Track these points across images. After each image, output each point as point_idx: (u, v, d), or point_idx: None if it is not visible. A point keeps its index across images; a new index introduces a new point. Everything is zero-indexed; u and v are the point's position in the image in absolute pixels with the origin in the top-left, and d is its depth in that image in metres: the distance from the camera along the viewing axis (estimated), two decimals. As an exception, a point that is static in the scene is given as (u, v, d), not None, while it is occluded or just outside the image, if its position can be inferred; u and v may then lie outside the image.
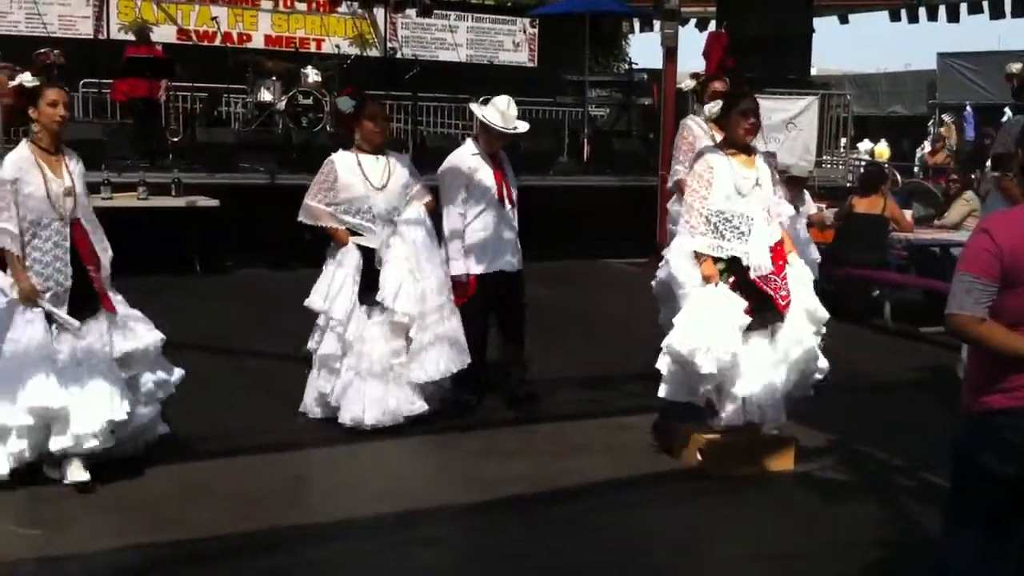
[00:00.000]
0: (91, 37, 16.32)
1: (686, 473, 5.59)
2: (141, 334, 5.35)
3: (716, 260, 5.50)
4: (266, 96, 13.82)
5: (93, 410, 5.03)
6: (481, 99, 13.67)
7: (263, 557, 4.59)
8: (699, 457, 5.62)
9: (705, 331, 5.29)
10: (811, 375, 5.56)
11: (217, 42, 16.79)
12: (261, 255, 11.65)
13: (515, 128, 6.50)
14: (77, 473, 5.07)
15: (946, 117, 23.75)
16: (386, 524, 4.94)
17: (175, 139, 13.32)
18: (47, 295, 5.08)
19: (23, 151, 5.13)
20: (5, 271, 5.15)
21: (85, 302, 5.17)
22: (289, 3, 16.94)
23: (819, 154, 15.58)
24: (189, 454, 5.60)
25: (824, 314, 5.55)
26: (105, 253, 5.35)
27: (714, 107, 5.78)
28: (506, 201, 6.49)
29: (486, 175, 6.45)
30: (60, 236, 5.12)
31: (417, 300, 6.04)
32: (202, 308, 9.41)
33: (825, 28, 25.64)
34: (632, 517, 5.10)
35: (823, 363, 5.57)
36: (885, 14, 20.53)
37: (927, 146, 21.01)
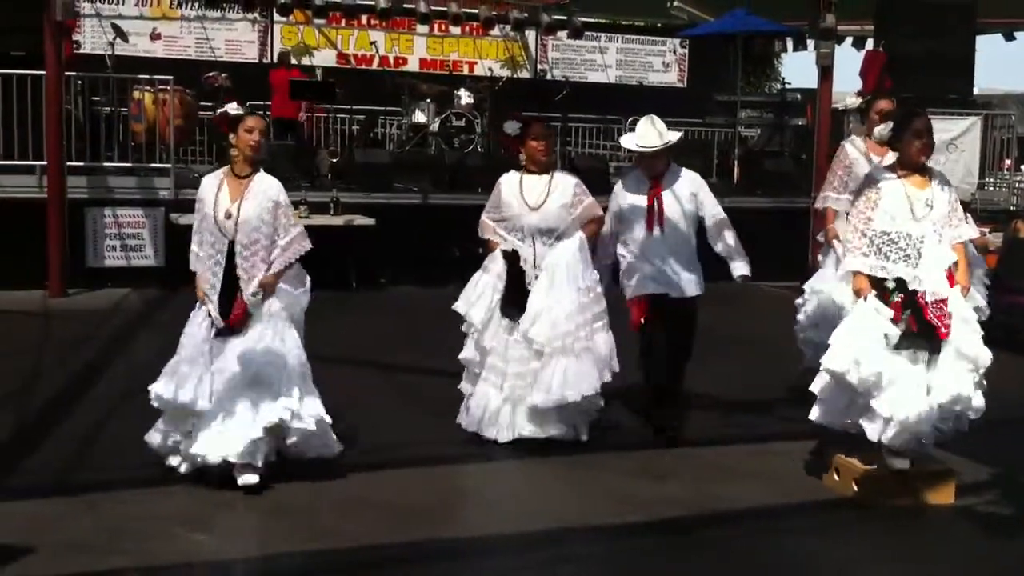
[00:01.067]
0: (256, 61, 17.04)
1: (841, 502, 5.49)
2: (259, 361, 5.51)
3: (883, 280, 5.38)
4: (420, 118, 14.17)
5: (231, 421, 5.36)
6: (630, 120, 13.78)
7: (413, 569, 4.71)
8: (854, 487, 5.51)
9: (853, 347, 5.22)
10: (963, 415, 5.35)
11: (375, 65, 17.34)
12: (413, 272, 11.95)
13: (651, 145, 6.44)
14: (247, 477, 5.33)
15: (1118, 139, 22.59)
16: (535, 541, 5.01)
17: (334, 159, 13.75)
18: (210, 301, 5.56)
19: (215, 175, 5.71)
20: None
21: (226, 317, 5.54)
22: (444, 27, 17.28)
23: (982, 176, 15.05)
24: (346, 467, 5.75)
25: (986, 356, 5.33)
26: (267, 275, 5.54)
27: (884, 129, 5.67)
28: (655, 229, 6.43)
29: (638, 200, 6.48)
30: (218, 252, 5.55)
31: (549, 326, 6.12)
32: (358, 323, 9.70)
33: (989, 46, 24.76)
34: (784, 545, 5.05)
35: (978, 402, 5.33)
36: (1053, 32, 19.68)
37: (1095, 169, 20.01)
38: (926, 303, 5.33)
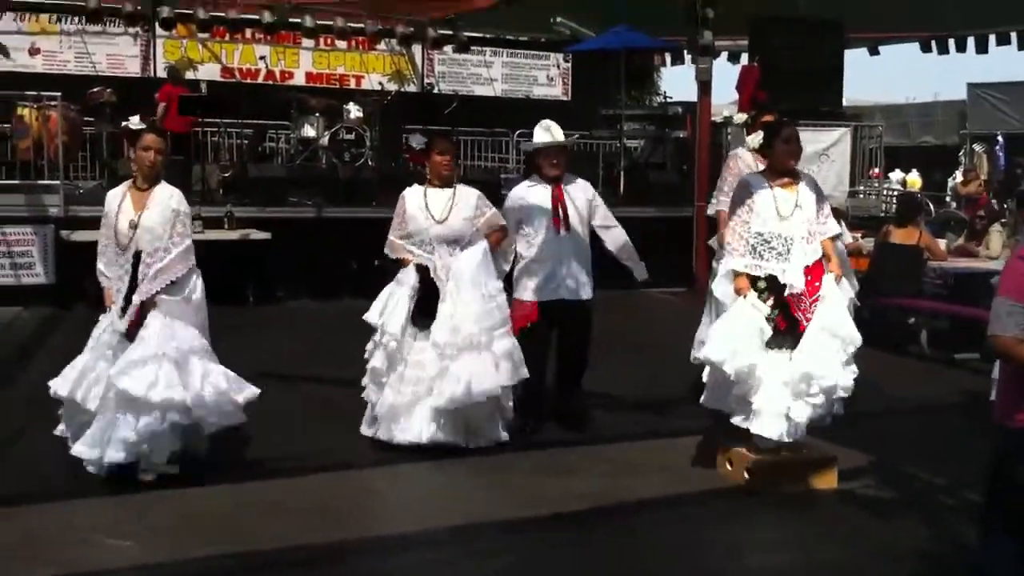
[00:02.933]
0: (139, 75, 16.85)
1: (734, 490, 5.85)
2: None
3: (756, 279, 5.81)
4: (309, 132, 14.14)
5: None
6: (517, 133, 14.08)
7: (328, 567, 4.90)
8: (746, 475, 5.88)
9: (731, 340, 5.64)
10: (833, 393, 5.71)
11: (261, 79, 17.32)
12: (310, 285, 12.03)
13: (559, 139, 6.82)
14: (144, 475, 5.60)
15: (977, 147, 23.88)
16: (444, 538, 5.23)
17: (226, 174, 13.71)
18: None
19: (119, 188, 5.94)
20: None
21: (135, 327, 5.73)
22: (330, 41, 17.37)
23: (852, 184, 15.79)
24: (259, 473, 5.93)
25: (852, 334, 5.74)
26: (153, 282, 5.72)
27: (756, 137, 6.12)
28: (562, 229, 6.74)
29: (543, 203, 6.76)
30: (121, 260, 5.79)
31: (450, 331, 6.29)
32: (257, 337, 9.73)
33: (856, 60, 25.84)
34: (683, 532, 5.38)
35: (847, 381, 5.71)
36: (916, 45, 20.71)
37: (959, 176, 21.14)
38: (791, 297, 5.76)
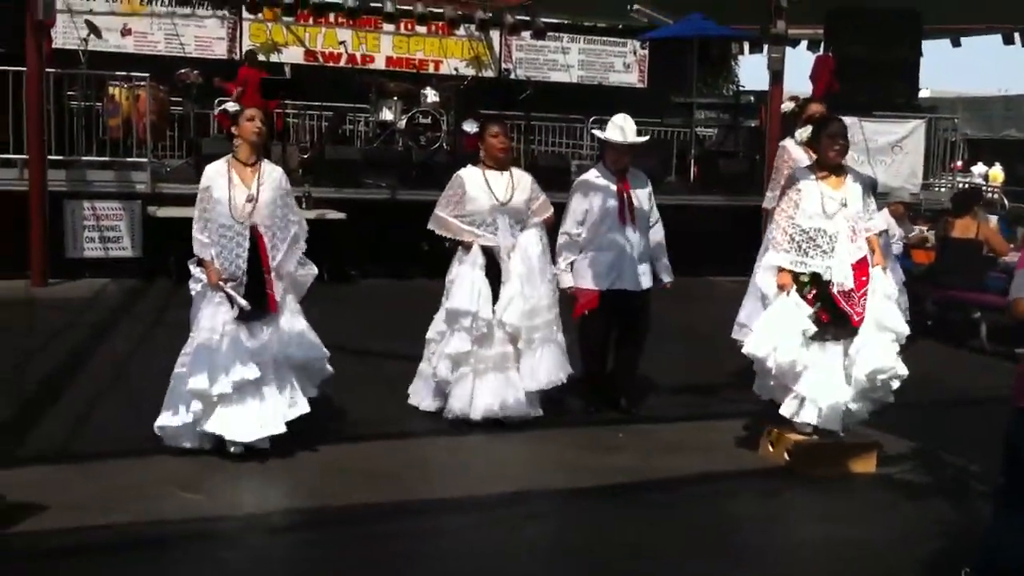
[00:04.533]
0: (225, 57, 17.39)
1: (773, 471, 6.09)
2: (306, 347, 6.03)
3: (799, 275, 5.98)
4: (387, 115, 14.53)
5: (268, 411, 5.80)
6: (591, 120, 14.29)
7: (387, 524, 5.24)
8: (786, 457, 6.10)
9: (773, 335, 5.83)
10: (887, 383, 5.96)
11: (342, 63, 17.75)
12: (382, 265, 12.43)
13: (633, 140, 6.98)
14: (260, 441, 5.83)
15: (1062, 141, 23.46)
16: (494, 502, 5.55)
17: (304, 155, 14.15)
18: (228, 285, 5.80)
19: (219, 163, 5.96)
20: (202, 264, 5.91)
21: (256, 300, 5.86)
22: (410, 26, 17.71)
23: (926, 177, 15.69)
24: (323, 439, 6.26)
25: (902, 326, 5.97)
26: (290, 257, 6.01)
27: (804, 131, 6.29)
28: (628, 221, 6.91)
29: (609, 195, 6.93)
30: (241, 236, 5.83)
31: (525, 315, 6.55)
32: (331, 313, 10.05)
33: (939, 51, 25.41)
34: (722, 507, 5.64)
35: (902, 370, 5.94)
36: (998, 37, 20.39)
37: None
38: (836, 294, 5.92)
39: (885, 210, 10.62)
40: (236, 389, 5.71)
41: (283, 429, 5.85)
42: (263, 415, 5.81)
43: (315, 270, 6.23)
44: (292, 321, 6.00)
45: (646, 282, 7.04)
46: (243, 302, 5.78)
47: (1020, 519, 3.83)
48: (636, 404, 7.22)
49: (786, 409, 6.01)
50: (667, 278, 7.17)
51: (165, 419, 5.86)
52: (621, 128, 6.94)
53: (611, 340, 7.14)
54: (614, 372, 7.25)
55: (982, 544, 4.06)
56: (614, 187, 6.96)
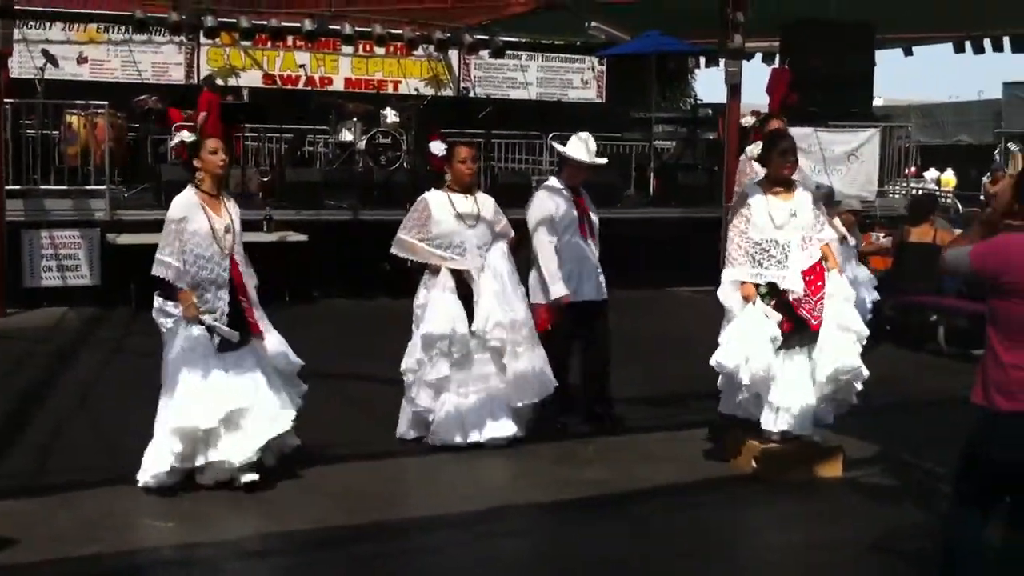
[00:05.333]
0: (183, 83, 17.33)
1: (742, 479, 6.16)
2: (287, 358, 6.05)
3: (757, 286, 6.08)
4: (347, 136, 14.56)
5: (260, 423, 5.73)
6: (551, 135, 14.39)
7: (367, 545, 5.24)
8: (754, 464, 6.17)
9: (744, 346, 5.91)
10: (850, 384, 6.06)
11: (301, 85, 17.75)
12: (344, 285, 12.43)
13: (595, 161, 7.09)
14: (249, 476, 5.74)
15: (1012, 146, 23.89)
16: (472, 519, 5.57)
17: (265, 178, 14.13)
18: (208, 317, 5.71)
19: (189, 194, 5.82)
20: (172, 298, 5.75)
21: (239, 327, 5.81)
22: (369, 47, 17.73)
23: (881, 184, 15.91)
24: (299, 461, 6.22)
25: (860, 327, 6.08)
26: (252, 281, 6.02)
27: (756, 147, 6.40)
28: (587, 233, 7.06)
29: (570, 208, 7.03)
30: (221, 268, 5.78)
31: (508, 328, 6.57)
32: (294, 335, 10.03)
33: (892, 60, 25.80)
34: (695, 515, 5.72)
35: (864, 370, 6.04)
36: (949, 46, 20.74)
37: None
38: (793, 301, 6.03)
39: (837, 219, 10.78)
40: (227, 420, 5.64)
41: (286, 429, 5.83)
42: (254, 436, 5.74)
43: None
44: (270, 337, 6.01)
45: (604, 292, 7.19)
46: (232, 332, 5.73)
47: (971, 512, 4.08)
48: (611, 413, 7.24)
49: (765, 421, 6.07)
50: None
51: (153, 469, 5.67)
52: (585, 146, 7.03)
53: (574, 352, 7.21)
54: (589, 385, 7.29)
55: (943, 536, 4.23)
56: (572, 202, 7.09)
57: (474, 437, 6.57)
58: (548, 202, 7.05)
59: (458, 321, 6.52)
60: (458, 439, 6.56)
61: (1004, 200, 4.20)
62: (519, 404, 6.67)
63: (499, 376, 6.64)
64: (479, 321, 6.54)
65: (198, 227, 5.73)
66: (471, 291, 6.63)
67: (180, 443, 5.60)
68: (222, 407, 5.60)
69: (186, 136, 6.07)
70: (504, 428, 6.64)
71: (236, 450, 5.66)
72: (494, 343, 6.56)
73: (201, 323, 5.68)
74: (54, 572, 4.79)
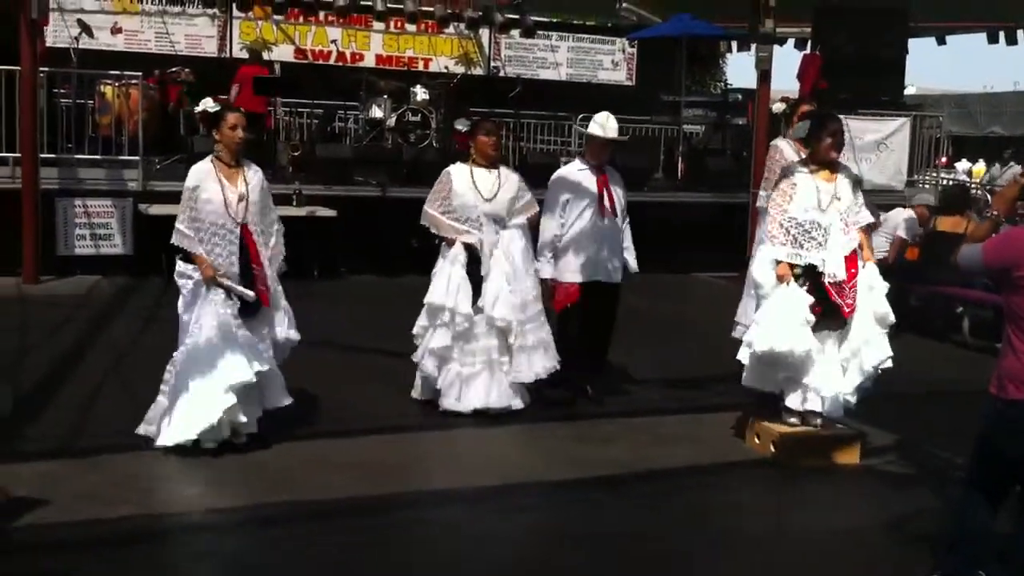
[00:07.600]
0: (215, 56, 17.43)
1: (760, 462, 6.22)
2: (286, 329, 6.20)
3: (793, 267, 6.09)
4: (377, 113, 14.60)
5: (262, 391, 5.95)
6: (579, 117, 14.41)
7: (377, 516, 5.33)
8: (772, 448, 6.22)
9: (782, 329, 5.93)
10: (876, 368, 6.10)
11: (332, 61, 17.81)
12: (371, 261, 12.53)
13: (615, 136, 7.18)
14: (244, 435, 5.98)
15: (1045, 138, 23.67)
16: (486, 493, 5.67)
17: (295, 153, 14.21)
18: (224, 280, 5.88)
19: (205, 163, 6.02)
20: (191, 261, 5.94)
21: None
22: (400, 24, 17.77)
23: (911, 174, 15.85)
24: (314, 432, 6.40)
25: (891, 317, 6.11)
26: (268, 252, 6.11)
27: (803, 126, 6.39)
28: (607, 213, 7.11)
29: (589, 187, 7.10)
30: (233, 235, 5.93)
31: (515, 308, 6.71)
32: (321, 310, 10.19)
33: (925, 48, 25.64)
34: (709, 497, 5.79)
35: (888, 355, 6.08)
36: (983, 36, 20.54)
37: (1015, 167, 21.01)
38: (828, 286, 6.05)
39: (906, 210, 10.78)
40: (241, 385, 5.78)
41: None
42: (258, 402, 5.99)
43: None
44: (278, 315, 6.17)
45: (618, 275, 7.24)
46: (248, 292, 5.89)
47: (981, 496, 4.23)
48: (601, 393, 7.32)
49: (791, 400, 6.13)
50: (633, 264, 7.31)
51: (171, 431, 5.84)
52: (602, 125, 7.14)
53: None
54: (582, 362, 7.35)
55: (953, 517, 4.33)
56: (594, 179, 7.14)
57: (476, 404, 6.73)
58: (561, 182, 7.18)
59: (461, 294, 6.66)
60: (461, 407, 6.74)
61: (1009, 196, 4.26)
62: (522, 380, 6.80)
63: (503, 350, 6.78)
64: (486, 299, 6.70)
65: (211, 196, 5.92)
66: (480, 263, 6.76)
67: (194, 405, 5.77)
68: (235, 372, 5.76)
69: (210, 105, 6.13)
70: (506, 399, 6.79)
71: (240, 414, 5.85)
72: (500, 324, 6.70)
73: (219, 285, 5.85)
74: (81, 533, 4.91)
